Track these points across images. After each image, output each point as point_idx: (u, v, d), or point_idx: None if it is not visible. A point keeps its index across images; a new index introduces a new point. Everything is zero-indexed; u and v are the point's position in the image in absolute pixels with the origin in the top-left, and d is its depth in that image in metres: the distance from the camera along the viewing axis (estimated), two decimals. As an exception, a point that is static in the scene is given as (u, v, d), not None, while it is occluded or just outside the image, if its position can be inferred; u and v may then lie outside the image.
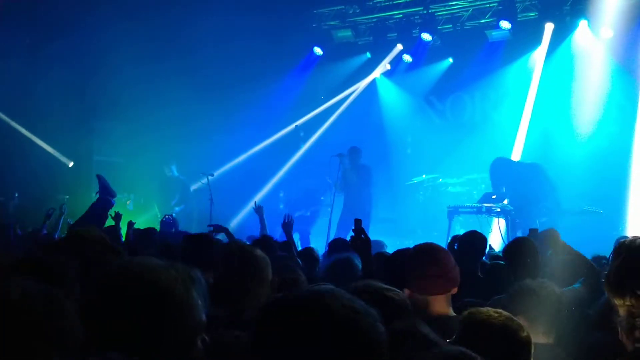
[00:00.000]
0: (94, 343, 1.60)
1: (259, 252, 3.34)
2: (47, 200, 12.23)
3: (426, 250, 3.50)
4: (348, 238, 9.56)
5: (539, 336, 3.22)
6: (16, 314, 1.52)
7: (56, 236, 8.40)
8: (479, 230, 5.62)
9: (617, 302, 2.33)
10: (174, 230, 9.43)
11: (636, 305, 2.27)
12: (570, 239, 5.02)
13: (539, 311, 3.25)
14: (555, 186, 11.13)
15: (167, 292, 1.70)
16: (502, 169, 11.50)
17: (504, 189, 11.35)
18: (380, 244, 7.29)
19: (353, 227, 4.19)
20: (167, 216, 10.80)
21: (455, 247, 5.15)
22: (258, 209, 8.35)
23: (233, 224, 13.73)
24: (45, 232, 8.78)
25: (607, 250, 5.85)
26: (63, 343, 1.56)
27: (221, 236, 6.61)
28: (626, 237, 6.48)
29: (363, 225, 4.24)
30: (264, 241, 5.52)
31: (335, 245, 6.00)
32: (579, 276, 4.31)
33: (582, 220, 10.60)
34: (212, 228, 7.05)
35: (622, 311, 2.32)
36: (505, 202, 11.35)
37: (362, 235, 4.11)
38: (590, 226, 10.43)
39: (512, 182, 11.25)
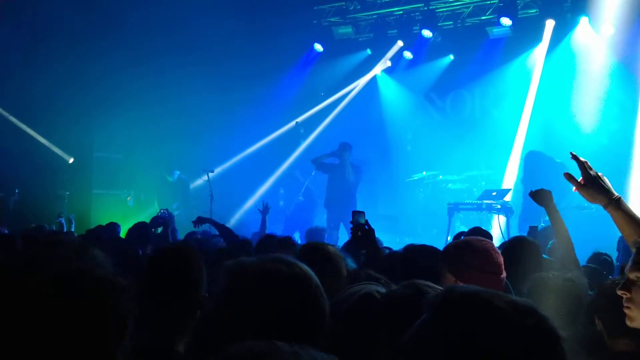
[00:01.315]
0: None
1: (332, 248, 3.35)
2: (48, 196, 12.26)
3: (486, 248, 3.32)
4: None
5: None
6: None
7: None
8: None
9: None
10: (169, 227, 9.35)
11: None
12: (571, 237, 5.01)
13: (556, 305, 3.17)
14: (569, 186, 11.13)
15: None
16: (538, 161, 11.44)
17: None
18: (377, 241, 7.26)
19: (351, 220, 4.14)
20: (162, 210, 10.75)
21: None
22: (265, 209, 8.52)
23: (233, 220, 13.75)
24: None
25: (607, 248, 5.87)
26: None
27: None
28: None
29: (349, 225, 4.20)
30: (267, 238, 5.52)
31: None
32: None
33: (582, 218, 10.61)
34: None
35: None
36: (508, 198, 11.35)
37: (367, 227, 4.06)
38: (591, 224, 10.43)
39: (546, 176, 11.22)
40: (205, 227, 8.56)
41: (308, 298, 1.78)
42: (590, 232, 9.29)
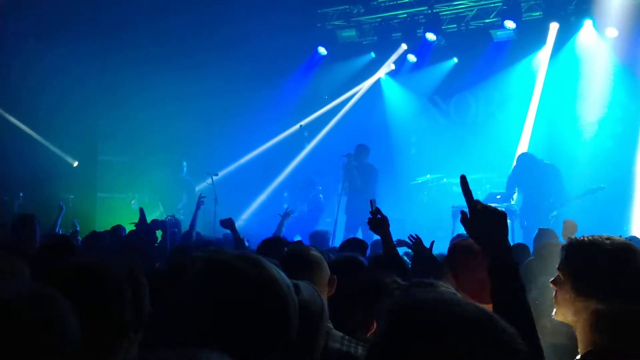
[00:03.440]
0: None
1: (314, 253, 3.26)
2: (52, 200, 12.27)
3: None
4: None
5: (563, 338, 3.17)
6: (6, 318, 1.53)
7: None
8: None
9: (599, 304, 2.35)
10: (176, 230, 9.40)
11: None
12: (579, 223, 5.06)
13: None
14: (567, 188, 11.14)
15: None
16: (528, 163, 11.48)
17: (516, 188, 11.39)
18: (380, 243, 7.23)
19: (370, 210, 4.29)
20: (169, 217, 10.81)
21: None
22: (285, 214, 8.67)
23: (238, 224, 13.73)
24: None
25: (612, 230, 5.85)
26: (58, 346, 1.55)
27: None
28: (635, 237, 6.44)
29: (367, 231, 4.33)
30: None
31: (348, 244, 5.96)
32: None
33: (587, 217, 10.60)
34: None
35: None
36: (513, 201, 11.35)
37: (379, 215, 4.17)
38: (595, 227, 10.40)
39: (535, 178, 11.22)
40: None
41: (268, 303, 1.63)
42: (596, 215, 9.37)
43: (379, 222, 4.22)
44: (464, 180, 2.45)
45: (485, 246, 2.26)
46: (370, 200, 4.36)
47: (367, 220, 4.33)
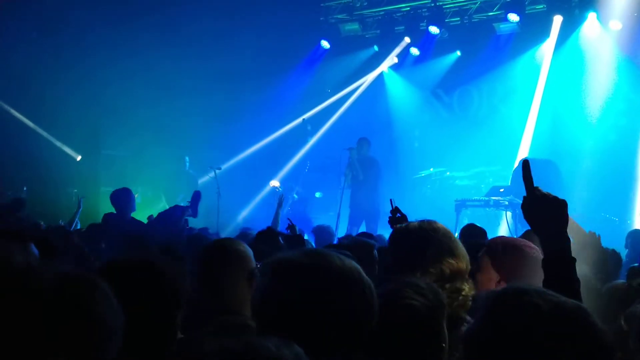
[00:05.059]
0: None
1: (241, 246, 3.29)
2: (56, 194, 12.31)
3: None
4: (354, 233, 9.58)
5: None
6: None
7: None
8: (486, 224, 5.63)
9: None
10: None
11: None
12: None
13: None
14: (565, 185, 11.12)
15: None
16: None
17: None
18: (383, 239, 7.21)
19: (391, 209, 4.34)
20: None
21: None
22: (279, 204, 8.54)
23: (241, 217, 13.78)
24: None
25: (614, 243, 5.86)
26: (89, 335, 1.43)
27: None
28: (638, 230, 6.43)
29: (373, 222, 4.35)
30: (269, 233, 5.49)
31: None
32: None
33: (590, 210, 10.60)
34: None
35: None
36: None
37: (398, 214, 4.20)
38: (598, 220, 10.41)
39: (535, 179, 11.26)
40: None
41: (359, 296, 1.72)
42: (596, 227, 9.25)
43: (398, 221, 4.25)
44: (526, 165, 2.27)
45: (543, 236, 2.14)
46: (390, 200, 4.44)
47: (388, 220, 4.37)
